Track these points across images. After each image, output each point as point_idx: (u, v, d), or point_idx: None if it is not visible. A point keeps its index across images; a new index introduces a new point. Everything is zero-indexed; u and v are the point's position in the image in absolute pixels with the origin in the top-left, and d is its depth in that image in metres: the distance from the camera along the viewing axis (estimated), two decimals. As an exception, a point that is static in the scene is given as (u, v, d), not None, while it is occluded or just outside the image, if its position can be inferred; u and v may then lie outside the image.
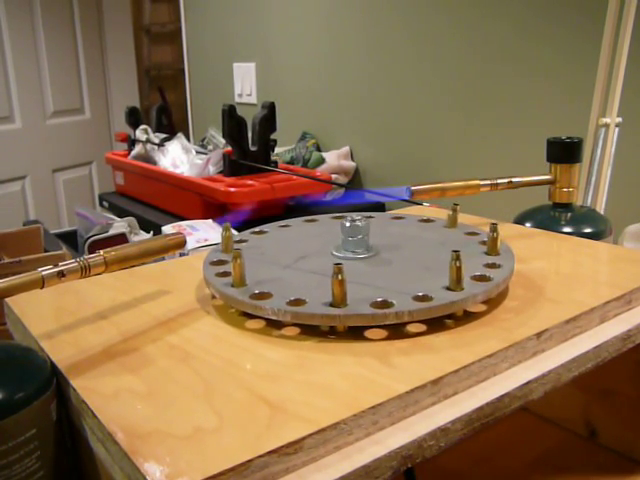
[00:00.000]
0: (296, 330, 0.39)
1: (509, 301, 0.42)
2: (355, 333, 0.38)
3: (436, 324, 0.39)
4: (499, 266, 0.43)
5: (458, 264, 0.39)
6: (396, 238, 0.51)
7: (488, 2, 1.15)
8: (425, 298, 0.38)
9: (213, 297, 0.44)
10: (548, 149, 0.65)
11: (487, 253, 0.45)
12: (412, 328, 0.38)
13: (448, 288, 0.39)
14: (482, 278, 0.41)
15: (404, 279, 0.42)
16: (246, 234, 0.54)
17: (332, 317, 0.37)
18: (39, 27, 2.11)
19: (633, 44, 0.83)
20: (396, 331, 0.38)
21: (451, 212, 0.53)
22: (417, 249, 0.48)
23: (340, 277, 0.37)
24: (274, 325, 0.40)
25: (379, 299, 0.38)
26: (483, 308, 0.41)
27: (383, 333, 0.38)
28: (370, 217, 0.57)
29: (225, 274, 0.43)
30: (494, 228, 0.45)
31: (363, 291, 0.40)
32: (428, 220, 0.55)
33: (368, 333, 0.38)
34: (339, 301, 0.38)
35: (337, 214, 0.57)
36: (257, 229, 0.54)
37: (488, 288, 0.40)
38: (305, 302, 0.39)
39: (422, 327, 0.38)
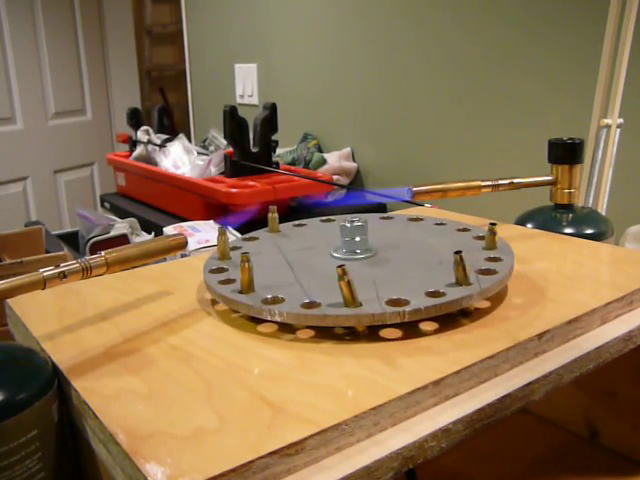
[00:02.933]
0: (311, 332, 0.39)
1: (510, 302, 0.42)
2: (357, 334, 0.38)
3: (437, 325, 0.39)
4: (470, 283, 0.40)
5: (346, 279, 0.37)
6: (395, 239, 0.51)
7: (490, 4, 1.15)
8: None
9: (215, 301, 0.44)
10: (549, 150, 0.65)
11: (456, 282, 0.40)
12: (414, 328, 0.38)
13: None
14: (436, 294, 0.39)
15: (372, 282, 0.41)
16: (238, 240, 0.53)
17: (238, 304, 0.40)
18: (41, 28, 2.11)
19: (634, 45, 0.83)
20: (398, 332, 0.38)
21: (488, 233, 0.46)
22: (416, 250, 0.48)
23: (247, 265, 0.40)
24: (277, 327, 0.40)
25: (308, 300, 0.39)
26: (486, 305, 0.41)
27: (386, 333, 0.38)
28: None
29: (228, 280, 0.43)
30: (458, 259, 0.39)
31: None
32: (417, 219, 0.56)
33: (371, 333, 0.38)
34: (245, 288, 0.41)
35: (325, 217, 0.57)
36: (247, 235, 0.54)
37: (401, 310, 0.37)
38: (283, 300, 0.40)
39: (425, 328, 0.38)
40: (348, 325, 0.38)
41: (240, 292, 0.41)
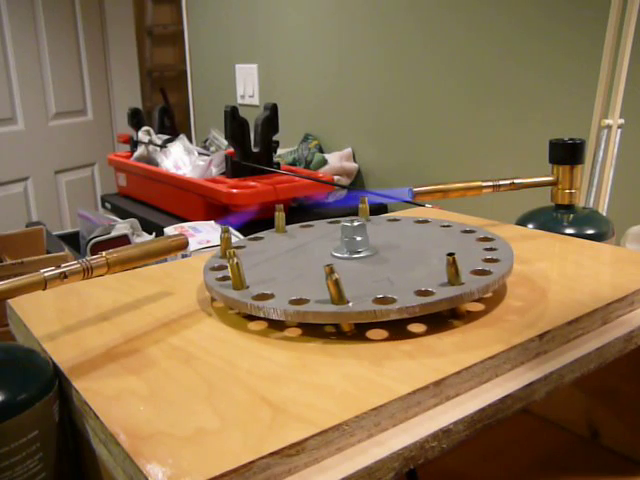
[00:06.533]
0: (298, 331, 0.39)
1: (511, 302, 0.42)
2: (357, 334, 0.38)
3: (438, 325, 0.39)
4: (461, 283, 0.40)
5: (233, 261, 0.41)
6: (397, 238, 0.51)
7: (491, 5, 1.15)
8: (386, 300, 0.38)
9: (213, 299, 0.44)
10: (550, 150, 0.65)
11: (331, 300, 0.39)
12: (415, 329, 0.38)
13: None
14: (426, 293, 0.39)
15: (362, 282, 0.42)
16: (243, 240, 0.54)
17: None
18: (42, 29, 2.11)
19: (636, 45, 0.83)
20: (398, 332, 0.38)
21: (447, 266, 0.40)
22: (415, 249, 0.48)
23: (226, 235, 0.47)
24: (276, 327, 0.40)
25: (294, 297, 0.39)
26: (481, 307, 0.41)
27: (385, 334, 0.38)
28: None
29: (225, 278, 0.44)
30: (328, 270, 0.38)
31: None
32: (425, 221, 0.56)
33: (370, 334, 0.38)
34: (223, 253, 0.47)
35: (332, 219, 0.57)
36: (253, 236, 0.55)
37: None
38: (273, 296, 0.40)
39: (424, 327, 0.38)
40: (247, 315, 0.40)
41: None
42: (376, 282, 0.41)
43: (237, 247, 0.51)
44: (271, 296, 0.40)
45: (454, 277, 0.39)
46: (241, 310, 0.41)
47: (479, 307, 0.41)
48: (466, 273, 0.41)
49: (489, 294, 0.43)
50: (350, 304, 0.37)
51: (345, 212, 0.56)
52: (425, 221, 0.56)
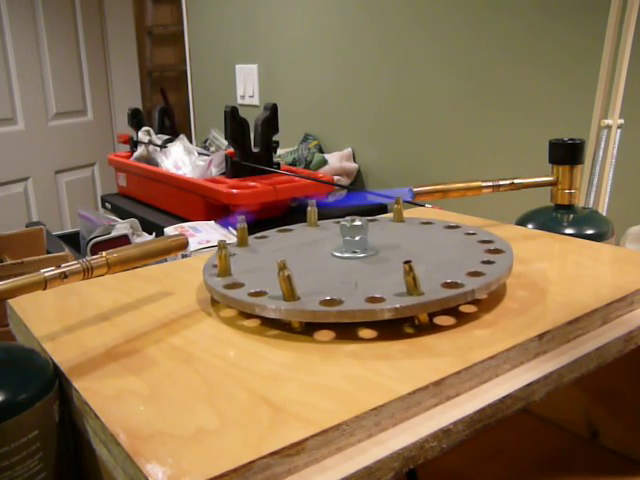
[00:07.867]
0: (258, 322, 0.39)
1: (511, 302, 0.42)
2: (357, 333, 0.38)
3: (437, 325, 0.39)
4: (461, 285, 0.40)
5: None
6: (412, 242, 0.50)
7: (491, 5, 1.15)
8: (333, 302, 0.38)
9: (214, 300, 0.44)
10: (550, 151, 0.65)
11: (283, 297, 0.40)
12: (414, 328, 0.38)
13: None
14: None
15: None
16: (270, 232, 0.55)
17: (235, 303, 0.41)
18: (42, 29, 2.11)
19: (635, 45, 0.83)
20: (398, 332, 0.38)
21: (404, 274, 0.39)
22: (417, 253, 0.48)
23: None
24: (276, 326, 0.40)
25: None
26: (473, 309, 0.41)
27: (332, 334, 0.38)
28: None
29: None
30: (282, 264, 0.39)
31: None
32: (456, 226, 0.54)
33: (317, 334, 0.38)
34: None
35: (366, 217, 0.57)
36: (283, 228, 0.56)
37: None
38: (242, 286, 0.41)
39: (425, 328, 0.38)
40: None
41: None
42: (343, 284, 0.41)
43: (261, 237, 0.53)
44: (240, 285, 0.41)
45: (412, 286, 0.38)
46: (212, 295, 0.43)
47: (450, 321, 0.40)
48: (439, 283, 0.40)
49: (462, 305, 0.41)
50: (297, 302, 0.38)
51: (346, 212, 0.55)
52: (456, 226, 0.53)
